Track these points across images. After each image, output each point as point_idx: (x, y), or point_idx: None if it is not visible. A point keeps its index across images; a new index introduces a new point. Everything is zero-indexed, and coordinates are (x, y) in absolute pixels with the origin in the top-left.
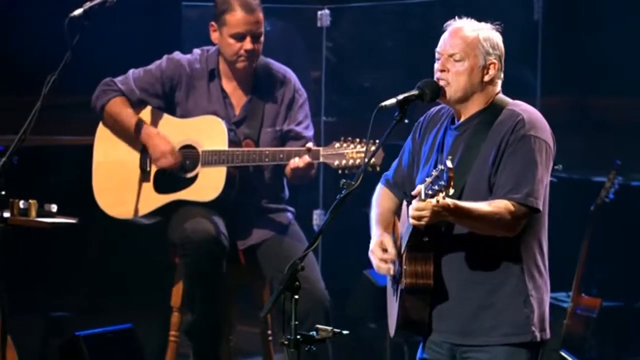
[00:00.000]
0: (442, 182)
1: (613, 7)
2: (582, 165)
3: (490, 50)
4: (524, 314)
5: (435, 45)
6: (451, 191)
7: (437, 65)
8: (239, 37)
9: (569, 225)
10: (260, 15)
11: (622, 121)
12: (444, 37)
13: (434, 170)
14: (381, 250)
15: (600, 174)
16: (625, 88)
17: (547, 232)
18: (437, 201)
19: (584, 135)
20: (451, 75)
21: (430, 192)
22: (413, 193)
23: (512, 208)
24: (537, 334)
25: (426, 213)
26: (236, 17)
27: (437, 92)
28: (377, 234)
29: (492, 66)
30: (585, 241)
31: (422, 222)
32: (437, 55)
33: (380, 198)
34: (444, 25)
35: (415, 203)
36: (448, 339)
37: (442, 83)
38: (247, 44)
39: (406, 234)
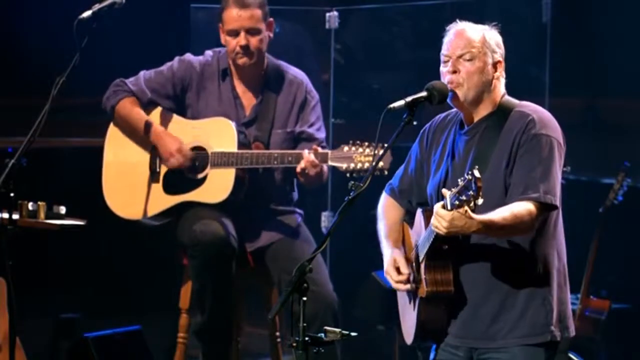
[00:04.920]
0: (471, 192)
1: (622, 9)
2: (591, 167)
3: (496, 49)
4: (543, 314)
5: None
6: (480, 201)
7: (446, 68)
8: (233, 33)
9: (578, 227)
10: (257, 11)
11: (630, 123)
12: (450, 39)
13: (460, 180)
14: (395, 271)
15: (609, 175)
16: (634, 89)
17: None
18: (465, 211)
19: (593, 137)
20: (463, 75)
21: (457, 202)
22: (443, 192)
23: (532, 209)
24: (557, 333)
25: (457, 222)
26: (230, 14)
27: (446, 94)
28: (388, 252)
29: (498, 64)
30: (594, 243)
31: (445, 230)
32: (444, 58)
33: (386, 209)
34: (446, 28)
35: (440, 211)
36: (466, 343)
37: (452, 85)
38: (241, 40)
39: (424, 242)
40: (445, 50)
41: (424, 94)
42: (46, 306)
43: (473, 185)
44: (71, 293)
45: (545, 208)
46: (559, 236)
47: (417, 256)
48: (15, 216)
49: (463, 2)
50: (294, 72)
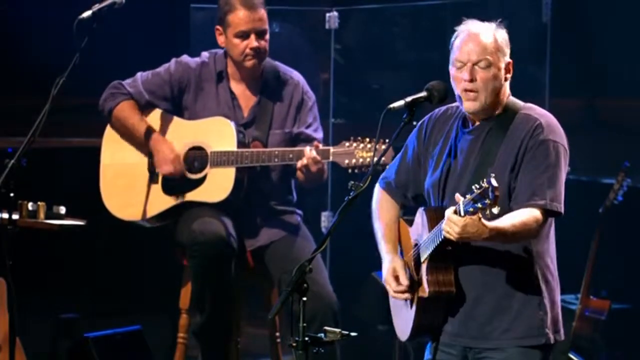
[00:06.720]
0: (488, 201)
1: (622, 9)
2: (591, 167)
3: (506, 50)
4: (539, 316)
5: (444, 46)
6: (496, 210)
7: (462, 75)
8: (243, 36)
9: (578, 227)
10: (263, 12)
11: (630, 123)
12: (464, 44)
13: (475, 187)
14: (395, 281)
15: (609, 175)
16: (633, 89)
17: (556, 233)
18: (479, 218)
19: (593, 137)
20: (479, 84)
21: (471, 209)
22: (456, 197)
23: (538, 216)
24: (551, 336)
25: (470, 229)
26: (238, 16)
27: (445, 94)
28: (387, 260)
29: (509, 65)
30: (594, 243)
31: (457, 236)
32: (457, 64)
33: (381, 207)
34: (457, 32)
35: (453, 217)
36: (462, 342)
37: (470, 94)
38: (252, 42)
39: (429, 244)
40: (459, 55)
41: (423, 94)
42: (46, 306)
43: (490, 193)
44: (71, 293)
45: (550, 215)
46: (552, 239)
47: (418, 256)
48: (15, 216)
49: (463, 2)
50: (291, 73)
